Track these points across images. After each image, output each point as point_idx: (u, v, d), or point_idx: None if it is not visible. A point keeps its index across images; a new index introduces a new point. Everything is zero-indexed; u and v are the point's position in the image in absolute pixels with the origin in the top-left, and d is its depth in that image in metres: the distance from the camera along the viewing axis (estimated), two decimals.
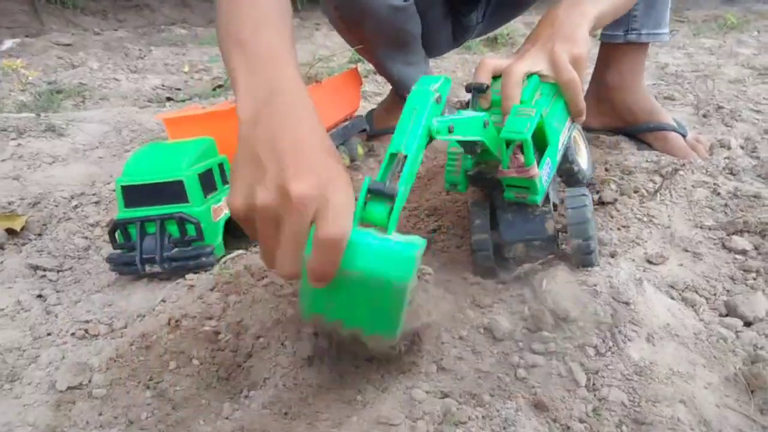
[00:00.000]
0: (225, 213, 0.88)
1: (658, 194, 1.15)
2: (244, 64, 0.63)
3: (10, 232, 1.07)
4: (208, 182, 0.85)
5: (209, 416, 0.61)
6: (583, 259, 0.85)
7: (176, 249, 0.83)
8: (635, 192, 1.18)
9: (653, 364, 0.70)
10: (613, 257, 0.94)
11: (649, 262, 0.95)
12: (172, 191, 0.81)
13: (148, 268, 0.82)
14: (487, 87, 0.79)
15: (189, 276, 0.82)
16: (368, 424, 0.57)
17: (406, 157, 0.60)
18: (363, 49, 1.38)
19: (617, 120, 1.47)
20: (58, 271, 0.97)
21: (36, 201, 1.22)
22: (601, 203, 1.12)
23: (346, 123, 1.38)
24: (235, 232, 0.95)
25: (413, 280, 0.54)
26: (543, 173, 0.79)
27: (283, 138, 0.55)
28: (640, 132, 1.43)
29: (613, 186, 1.19)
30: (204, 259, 0.82)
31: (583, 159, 0.97)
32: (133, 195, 0.84)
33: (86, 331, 0.73)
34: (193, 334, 0.72)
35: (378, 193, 0.58)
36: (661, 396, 0.66)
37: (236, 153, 0.58)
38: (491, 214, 0.86)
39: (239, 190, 0.56)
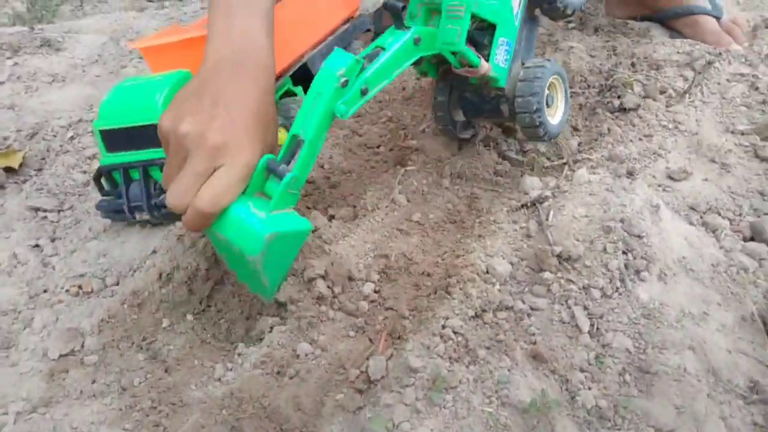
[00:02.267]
0: None
1: (687, 95, 1.05)
2: (220, 9, 0.69)
3: (9, 170, 1.05)
4: None
5: (201, 379, 0.61)
6: (529, 132, 0.82)
7: (163, 195, 0.79)
8: (662, 93, 1.08)
9: (663, 306, 0.67)
10: (630, 175, 0.88)
11: (671, 178, 0.88)
12: (151, 135, 0.76)
13: (137, 215, 0.80)
14: (404, 7, 0.69)
15: (179, 223, 0.79)
16: (353, 389, 0.57)
17: (304, 142, 0.63)
18: None
19: (642, 8, 1.32)
20: (59, 211, 0.96)
21: (33, 132, 1.19)
22: (622, 110, 1.04)
23: (347, 26, 1.27)
24: None
25: (266, 255, 0.60)
26: (498, 58, 0.76)
27: (232, 95, 0.63)
28: (667, 19, 1.28)
29: (637, 88, 1.08)
30: None
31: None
32: (112, 139, 0.79)
33: (80, 287, 0.73)
34: (185, 287, 0.71)
35: (273, 172, 0.63)
36: (669, 342, 0.63)
37: (190, 80, 0.67)
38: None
39: (174, 109, 0.64)
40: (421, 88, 1.12)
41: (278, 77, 1.03)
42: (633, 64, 1.22)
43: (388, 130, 1.06)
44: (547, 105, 0.80)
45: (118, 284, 0.74)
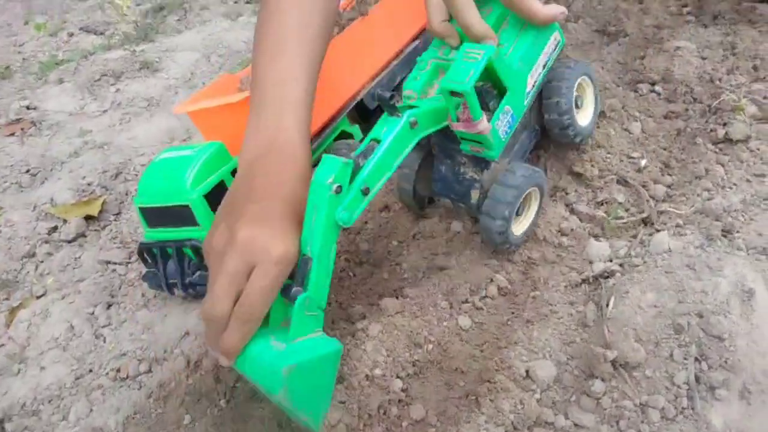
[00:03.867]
0: None
1: None
2: (255, 103, 0.66)
3: (89, 217, 1.12)
4: (219, 198, 0.76)
5: None
6: (489, 238, 0.74)
7: (198, 273, 0.79)
8: None
9: None
10: (728, 235, 0.73)
11: None
12: (182, 215, 0.76)
13: (176, 291, 0.80)
14: (392, 97, 0.63)
15: None
16: None
17: (311, 259, 0.56)
18: None
19: None
20: (127, 264, 1.01)
21: (117, 172, 1.25)
22: (727, 140, 0.86)
23: (415, 44, 1.18)
24: None
25: (291, 390, 0.52)
26: (499, 126, 0.70)
27: (263, 189, 0.58)
28: None
29: (752, 109, 0.90)
30: None
31: (584, 114, 0.82)
32: (151, 216, 0.80)
33: (118, 371, 0.75)
34: (212, 375, 0.70)
35: (287, 297, 0.56)
36: None
37: (228, 191, 0.63)
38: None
39: (213, 226, 0.59)
40: None
41: (333, 118, 0.98)
42: (755, 68, 1.02)
43: None
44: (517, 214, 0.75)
45: (150, 371, 0.75)
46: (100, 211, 1.13)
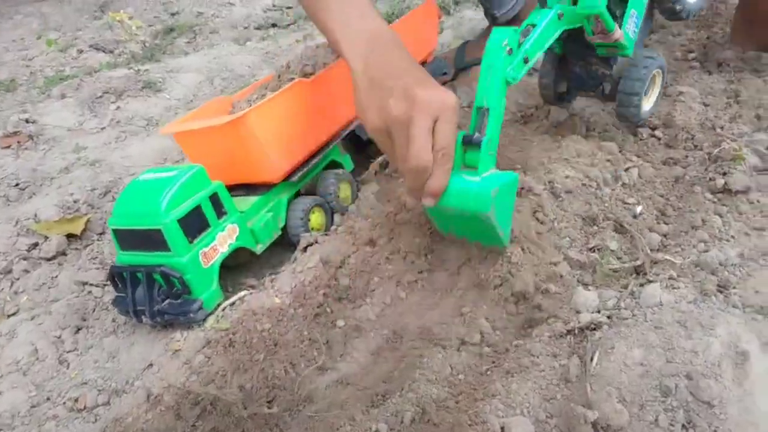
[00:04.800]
0: (220, 253, 0.77)
1: None
2: (336, 18, 0.76)
3: (71, 236, 1.09)
4: (194, 224, 0.74)
5: None
6: (625, 114, 0.96)
7: (167, 301, 0.76)
8: None
9: None
10: (723, 290, 0.69)
11: None
12: (154, 239, 0.73)
13: (144, 319, 0.77)
14: None
15: (177, 336, 0.75)
16: None
17: (488, 109, 0.70)
18: None
19: None
20: (104, 286, 0.97)
21: (106, 190, 1.23)
22: (726, 191, 0.83)
23: None
24: (244, 257, 0.85)
25: (496, 208, 0.67)
26: (629, 28, 0.87)
27: (397, 66, 0.71)
28: None
29: (753, 159, 0.87)
30: (192, 315, 0.74)
31: None
32: (124, 238, 0.77)
33: (76, 401, 0.72)
34: (172, 412, 0.66)
35: (469, 143, 0.70)
36: None
37: (355, 91, 0.72)
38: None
39: (373, 112, 0.69)
40: None
41: (325, 145, 0.95)
42: (758, 117, 1.00)
43: None
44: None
45: (108, 403, 0.71)
46: (83, 230, 1.10)
